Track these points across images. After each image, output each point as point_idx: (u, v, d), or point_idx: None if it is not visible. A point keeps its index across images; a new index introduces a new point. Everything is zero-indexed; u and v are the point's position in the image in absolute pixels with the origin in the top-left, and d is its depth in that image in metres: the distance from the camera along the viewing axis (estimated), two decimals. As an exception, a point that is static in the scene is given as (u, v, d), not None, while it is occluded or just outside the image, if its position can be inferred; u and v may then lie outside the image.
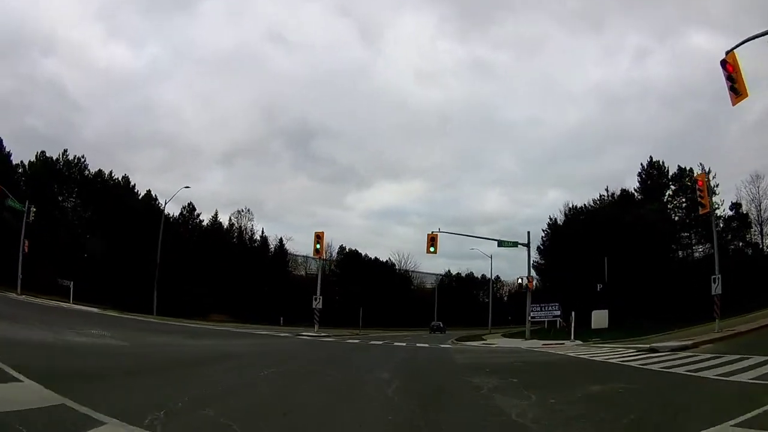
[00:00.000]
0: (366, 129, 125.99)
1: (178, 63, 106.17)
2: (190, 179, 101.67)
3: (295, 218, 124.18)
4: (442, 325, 73.53)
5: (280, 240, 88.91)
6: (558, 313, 41.47)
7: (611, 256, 40.63)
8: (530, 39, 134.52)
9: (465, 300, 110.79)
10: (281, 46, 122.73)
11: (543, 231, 60.15)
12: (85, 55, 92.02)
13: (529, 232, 38.07)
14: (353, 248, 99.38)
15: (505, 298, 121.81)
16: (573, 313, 28.73)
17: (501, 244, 33.99)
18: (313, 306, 33.64)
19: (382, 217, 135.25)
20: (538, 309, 42.52)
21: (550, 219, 59.03)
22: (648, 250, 41.23)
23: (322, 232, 33.60)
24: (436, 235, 32.37)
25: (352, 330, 50.86)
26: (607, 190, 53.06)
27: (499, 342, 28.59)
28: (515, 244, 35.66)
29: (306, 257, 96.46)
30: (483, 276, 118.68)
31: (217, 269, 75.26)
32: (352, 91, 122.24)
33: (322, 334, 32.51)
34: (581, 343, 27.80)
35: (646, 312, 35.38)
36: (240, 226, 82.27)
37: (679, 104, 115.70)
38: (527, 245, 35.64)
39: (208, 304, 66.02)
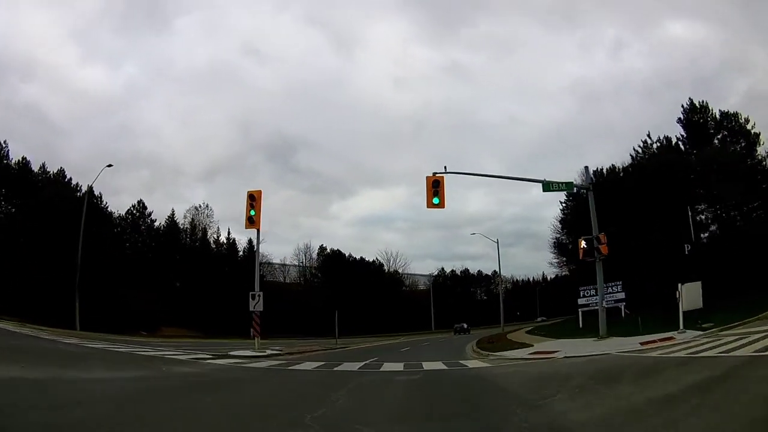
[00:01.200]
0: (345, 138, 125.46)
1: (155, 82, 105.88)
2: (173, 198, 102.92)
3: (282, 230, 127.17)
4: (466, 326, 68.71)
5: (249, 241, 77.33)
6: (622, 296, 30.64)
7: (677, 213, 30.51)
8: (504, 38, 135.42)
9: (462, 298, 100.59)
10: (256, 60, 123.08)
11: (563, 203, 50.40)
12: (64, 78, 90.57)
13: (587, 167, 26.31)
14: (335, 248, 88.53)
15: (502, 295, 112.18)
16: (681, 287, 18.15)
17: (547, 187, 22.45)
18: (251, 308, 22.85)
19: (368, 224, 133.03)
20: (590, 293, 31.76)
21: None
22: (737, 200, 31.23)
23: (259, 191, 22.68)
24: (441, 177, 21.29)
25: (328, 341, 40.10)
26: (644, 143, 43.25)
27: (564, 348, 17.65)
28: (569, 186, 24.01)
29: (284, 264, 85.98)
30: (480, 272, 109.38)
31: (172, 275, 63.79)
32: (329, 102, 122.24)
33: (267, 352, 22.29)
34: (700, 333, 17.53)
35: (743, 281, 25.41)
36: (200, 226, 70.06)
37: (659, 96, 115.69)
38: (589, 186, 23.47)
39: (158, 315, 54.46)
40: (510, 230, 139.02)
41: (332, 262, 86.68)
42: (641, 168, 39.02)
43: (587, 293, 31.76)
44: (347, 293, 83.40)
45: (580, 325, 28.61)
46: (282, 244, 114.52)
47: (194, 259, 68.24)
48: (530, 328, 47.01)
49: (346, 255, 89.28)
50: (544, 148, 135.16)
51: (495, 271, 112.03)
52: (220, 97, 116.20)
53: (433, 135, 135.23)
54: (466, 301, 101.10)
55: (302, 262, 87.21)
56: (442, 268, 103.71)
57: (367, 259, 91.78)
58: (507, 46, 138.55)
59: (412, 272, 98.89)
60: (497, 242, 49.47)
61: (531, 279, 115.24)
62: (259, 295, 22.33)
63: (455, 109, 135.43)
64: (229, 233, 76.08)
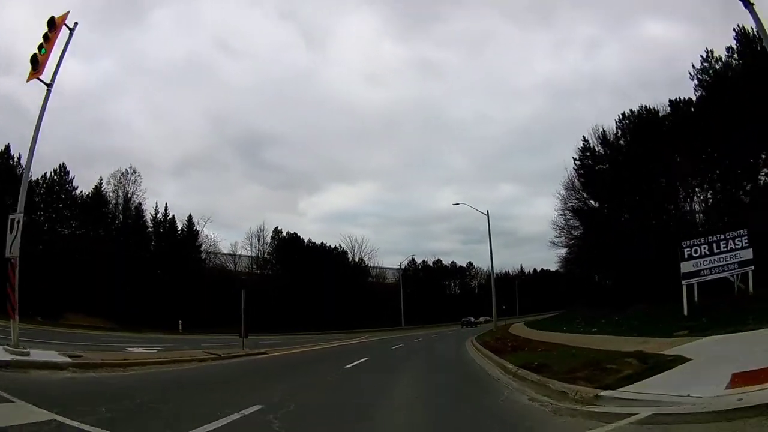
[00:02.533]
0: (315, 134, 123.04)
1: (129, 76, 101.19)
2: (146, 192, 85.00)
3: (251, 225, 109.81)
4: (473, 320, 68.22)
5: (189, 218, 66.78)
6: (749, 255, 17.31)
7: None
8: (477, 35, 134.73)
9: (435, 292, 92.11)
10: (228, 54, 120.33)
11: (577, 159, 40.95)
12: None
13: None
14: (292, 232, 78.61)
15: (476, 290, 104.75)
16: None
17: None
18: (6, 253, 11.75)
19: (336, 221, 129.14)
20: (704, 250, 17.89)
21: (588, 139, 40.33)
22: None
23: (64, 15, 12.47)
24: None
25: (268, 337, 30.84)
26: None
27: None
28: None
29: (236, 255, 75.48)
30: (453, 263, 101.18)
31: (94, 253, 53.00)
32: (299, 97, 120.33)
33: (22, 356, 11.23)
34: None
35: None
36: (125, 194, 59.10)
37: (633, 96, 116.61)
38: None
39: (65, 299, 44.04)
40: (479, 228, 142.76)
41: (288, 247, 76.81)
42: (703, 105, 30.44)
43: (701, 250, 17.89)
44: (305, 283, 74.11)
45: (685, 312, 16.48)
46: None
47: (121, 234, 57.49)
48: (542, 321, 38.69)
49: (305, 240, 79.43)
50: (513, 146, 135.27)
51: (470, 262, 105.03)
52: (192, 91, 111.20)
53: (403, 132, 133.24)
54: (438, 294, 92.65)
55: (255, 248, 76.78)
56: (413, 258, 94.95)
57: (328, 245, 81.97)
58: (479, 44, 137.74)
59: (381, 265, 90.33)
60: (488, 214, 38.26)
61: (508, 272, 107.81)
62: (17, 223, 10.94)
63: (426, 106, 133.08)
64: (166, 208, 65.33)
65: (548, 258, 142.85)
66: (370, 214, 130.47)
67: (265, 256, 76.27)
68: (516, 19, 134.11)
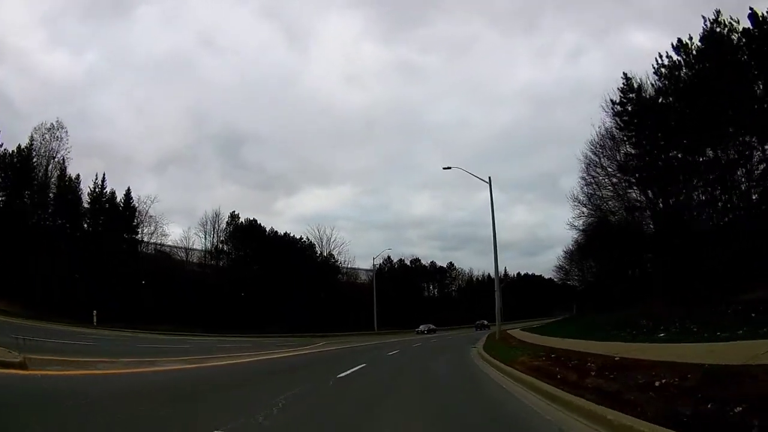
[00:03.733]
0: (294, 134, 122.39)
1: (114, 70, 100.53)
2: (125, 187, 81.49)
3: (206, 209, 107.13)
4: (486, 323, 66.65)
5: (127, 192, 57.31)
6: None
7: None
8: (460, 40, 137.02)
9: (411, 294, 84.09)
10: (211, 51, 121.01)
11: (617, 102, 33.49)
12: (30, 63, 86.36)
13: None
14: (251, 218, 69.60)
15: (454, 293, 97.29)
16: None
17: None
18: None
19: (311, 222, 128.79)
20: None
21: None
22: None
23: None
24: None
25: (200, 339, 23.39)
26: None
27: None
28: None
29: (187, 249, 65.96)
30: (433, 263, 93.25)
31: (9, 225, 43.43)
32: (280, 97, 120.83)
33: None
34: None
35: None
36: (48, 154, 49.47)
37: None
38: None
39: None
40: (455, 234, 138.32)
41: (244, 234, 67.59)
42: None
43: None
44: (265, 278, 65.25)
45: None
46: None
47: (48, 205, 47.96)
48: (545, 326, 30.53)
49: (267, 230, 70.40)
50: (493, 151, 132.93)
51: (451, 263, 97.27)
52: (174, 87, 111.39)
53: (382, 134, 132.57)
54: (415, 297, 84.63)
55: (210, 236, 67.03)
56: (388, 257, 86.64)
57: (292, 234, 73.03)
58: (461, 48, 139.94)
59: (354, 265, 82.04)
60: (489, 181, 29.31)
61: (489, 275, 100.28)
62: None
63: (406, 109, 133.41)
64: (104, 180, 55.74)
65: (527, 265, 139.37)
66: (346, 217, 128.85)
67: (218, 245, 66.52)
68: (499, 24, 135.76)
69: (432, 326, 62.95)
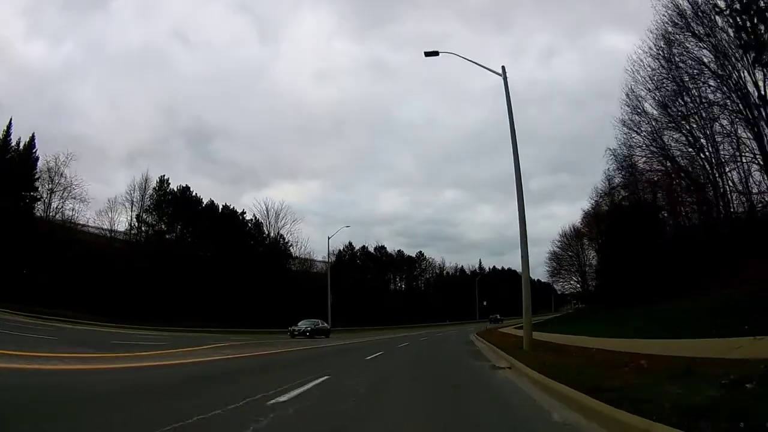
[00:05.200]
0: (264, 129, 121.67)
1: (90, 61, 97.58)
2: (98, 180, 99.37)
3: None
4: (499, 317, 65.99)
5: (32, 139, 44.98)
6: None
7: None
8: (431, 38, 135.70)
9: (376, 287, 73.33)
10: (184, 44, 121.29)
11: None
12: (8, 53, 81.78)
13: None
14: (184, 185, 57.42)
15: (422, 287, 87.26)
16: None
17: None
18: None
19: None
20: None
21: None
22: None
23: None
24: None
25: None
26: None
27: None
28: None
29: (111, 222, 53.67)
30: (401, 253, 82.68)
31: None
32: (251, 91, 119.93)
33: None
34: None
35: None
36: None
37: (589, 105, 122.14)
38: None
39: None
40: (423, 231, 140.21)
41: (176, 206, 55.49)
42: None
43: None
44: (198, 259, 53.47)
45: None
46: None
47: None
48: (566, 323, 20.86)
49: (205, 201, 58.31)
50: (462, 151, 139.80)
51: (421, 252, 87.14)
52: (147, 80, 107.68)
53: (352, 131, 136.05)
54: (381, 290, 74.00)
55: (138, 207, 54.63)
56: (350, 243, 75.66)
57: (231, 206, 61.29)
58: (433, 46, 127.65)
59: (312, 257, 70.87)
60: (503, 72, 17.20)
61: (463, 268, 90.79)
62: None
63: (376, 106, 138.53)
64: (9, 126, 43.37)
65: (498, 264, 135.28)
66: (312, 212, 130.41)
67: (142, 215, 54.16)
68: (472, 23, 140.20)
69: (320, 322, 41.02)
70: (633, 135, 33.67)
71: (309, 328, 36.78)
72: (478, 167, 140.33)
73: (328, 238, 56.07)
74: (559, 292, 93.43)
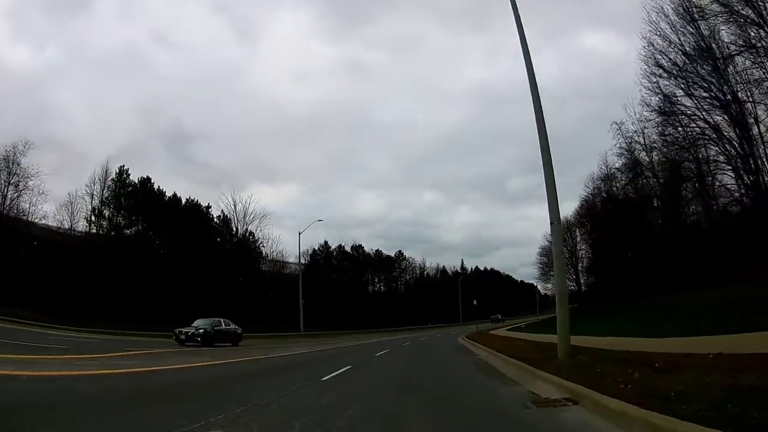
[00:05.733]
0: (241, 130, 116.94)
1: (72, 63, 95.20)
2: (79, 183, 73.57)
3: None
4: (500, 317, 66.73)
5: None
6: None
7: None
8: (409, 37, 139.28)
9: (352, 288, 69.30)
10: (163, 46, 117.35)
11: None
12: None
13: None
14: (145, 176, 52.70)
15: (402, 288, 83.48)
16: None
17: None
18: None
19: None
20: None
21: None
22: None
23: None
24: None
25: None
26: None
27: None
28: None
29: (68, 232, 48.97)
30: (379, 253, 78.92)
31: None
32: (228, 93, 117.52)
33: None
34: None
35: None
36: None
37: (568, 106, 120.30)
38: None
39: None
40: (401, 234, 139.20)
41: (137, 199, 50.84)
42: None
43: None
44: (160, 256, 48.88)
45: None
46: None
47: None
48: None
49: (167, 195, 53.54)
50: (440, 152, 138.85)
51: (400, 252, 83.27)
52: (126, 82, 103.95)
53: (329, 133, 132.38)
54: (357, 292, 69.95)
55: (99, 199, 49.74)
56: (325, 242, 71.46)
57: (194, 200, 56.28)
58: (411, 46, 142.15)
59: (284, 259, 66.53)
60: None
61: (445, 268, 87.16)
62: None
63: (353, 107, 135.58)
64: None
65: (478, 265, 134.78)
66: (289, 215, 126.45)
67: (101, 208, 49.38)
68: (450, 22, 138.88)
69: (224, 323, 28.35)
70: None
71: (203, 331, 24.45)
72: (457, 168, 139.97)
73: (299, 233, 51.61)
74: (543, 293, 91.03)
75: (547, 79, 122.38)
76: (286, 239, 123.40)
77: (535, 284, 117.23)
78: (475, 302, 42.45)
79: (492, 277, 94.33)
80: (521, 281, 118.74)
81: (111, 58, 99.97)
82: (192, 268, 49.33)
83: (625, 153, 36.58)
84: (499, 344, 17.48)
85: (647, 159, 35.79)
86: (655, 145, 33.67)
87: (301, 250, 53.73)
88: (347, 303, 66.84)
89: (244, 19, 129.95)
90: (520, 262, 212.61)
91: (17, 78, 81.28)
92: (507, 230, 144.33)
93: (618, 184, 41.01)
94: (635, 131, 34.38)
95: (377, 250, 79.85)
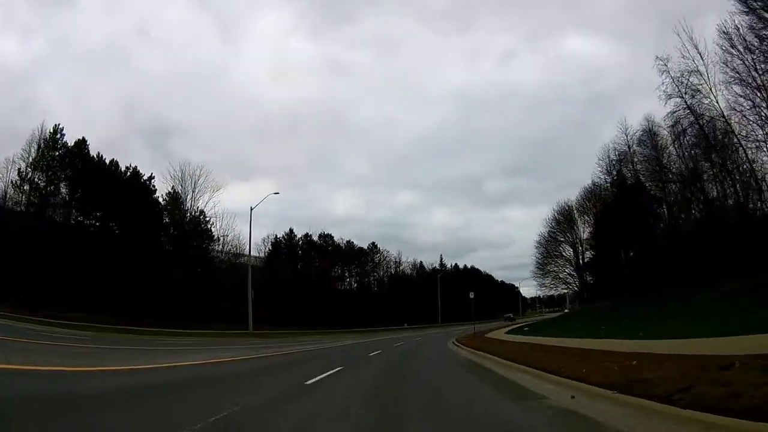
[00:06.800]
0: (220, 127, 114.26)
1: (56, 57, 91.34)
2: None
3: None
4: (512, 316, 65.68)
5: None
6: None
7: None
8: (389, 38, 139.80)
9: (318, 282, 61.79)
10: (145, 41, 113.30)
11: None
12: None
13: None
14: (81, 137, 44.48)
15: (376, 285, 76.23)
16: None
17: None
18: None
19: (230, 218, 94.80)
20: None
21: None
22: None
23: None
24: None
25: None
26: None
27: None
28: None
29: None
30: (351, 244, 71.61)
31: None
32: (208, 90, 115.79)
33: None
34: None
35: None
36: None
37: (547, 109, 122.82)
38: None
39: None
40: (376, 234, 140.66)
41: (69, 165, 42.70)
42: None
43: None
44: (87, 233, 40.67)
45: None
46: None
47: None
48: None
49: (106, 159, 45.12)
50: (417, 153, 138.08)
51: (374, 243, 75.81)
52: (110, 77, 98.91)
53: (308, 132, 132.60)
54: (323, 286, 62.36)
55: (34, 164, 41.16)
56: (291, 230, 63.46)
57: (134, 167, 47.52)
58: (391, 47, 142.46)
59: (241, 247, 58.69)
60: None
61: (419, 264, 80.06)
62: None
63: (332, 107, 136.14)
64: None
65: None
66: (265, 214, 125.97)
67: (29, 175, 40.91)
68: (431, 24, 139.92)
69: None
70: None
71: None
72: (435, 169, 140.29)
73: (251, 209, 43.43)
74: (534, 295, 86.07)
75: (523, 84, 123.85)
76: (259, 237, 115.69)
77: (517, 285, 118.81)
78: (472, 295, 35.42)
79: (473, 276, 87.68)
80: (502, 281, 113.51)
81: (93, 51, 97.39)
82: (124, 248, 41.18)
83: (678, 96, 30.08)
84: (537, 359, 10.16)
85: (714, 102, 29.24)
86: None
87: (259, 237, 45.38)
88: (314, 299, 59.33)
89: (227, 15, 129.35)
90: (498, 264, 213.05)
91: (6, 70, 75.93)
92: (484, 232, 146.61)
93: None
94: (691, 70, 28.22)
95: (348, 241, 72.93)
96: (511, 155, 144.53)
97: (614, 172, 39.43)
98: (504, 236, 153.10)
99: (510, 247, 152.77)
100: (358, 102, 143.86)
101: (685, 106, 30.01)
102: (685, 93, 29.66)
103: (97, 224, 42.49)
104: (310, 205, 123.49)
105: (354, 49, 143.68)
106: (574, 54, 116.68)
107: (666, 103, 30.99)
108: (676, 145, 32.27)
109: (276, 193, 45.06)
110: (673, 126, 31.61)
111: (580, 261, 50.90)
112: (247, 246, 46.74)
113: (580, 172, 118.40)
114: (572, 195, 67.02)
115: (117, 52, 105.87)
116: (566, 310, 65.57)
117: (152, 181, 46.81)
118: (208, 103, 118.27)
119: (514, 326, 47.05)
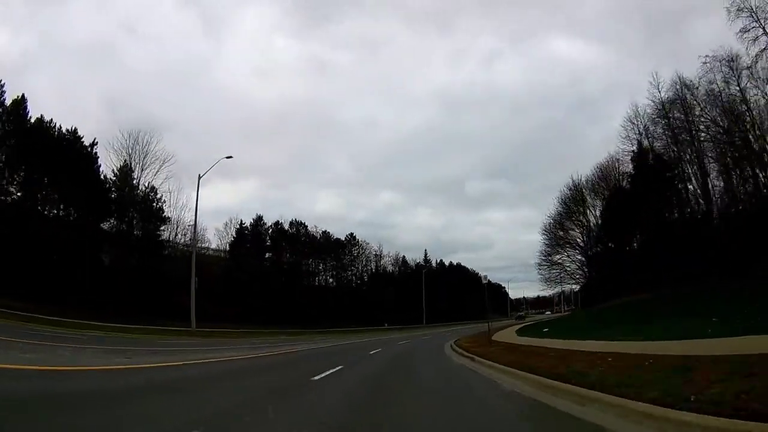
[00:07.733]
0: (203, 124, 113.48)
1: (46, 53, 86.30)
2: None
3: None
4: (523, 314, 63.38)
5: None
6: None
7: None
8: (373, 38, 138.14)
9: (290, 278, 55.69)
10: (131, 36, 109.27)
11: None
12: None
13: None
14: (19, 95, 37.79)
15: (354, 280, 70.49)
16: None
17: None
18: None
19: (212, 217, 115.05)
20: None
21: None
22: None
23: None
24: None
25: None
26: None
27: None
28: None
29: None
30: (327, 234, 65.43)
31: None
32: (193, 86, 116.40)
33: None
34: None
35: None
36: None
37: (530, 112, 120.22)
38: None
39: None
40: (358, 233, 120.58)
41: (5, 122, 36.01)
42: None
43: None
44: (23, 210, 33.89)
45: None
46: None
47: None
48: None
49: (46, 120, 38.26)
50: (400, 153, 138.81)
51: (352, 234, 69.59)
52: (95, 73, 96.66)
53: (291, 131, 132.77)
54: (294, 281, 56.09)
55: None
56: (258, 216, 56.92)
57: (73, 128, 40.17)
58: (375, 47, 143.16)
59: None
60: None
61: (402, 259, 74.39)
62: None
63: (315, 106, 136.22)
64: None
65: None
66: (246, 212, 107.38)
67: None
68: (415, 25, 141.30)
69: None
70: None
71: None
72: (417, 170, 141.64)
73: (199, 177, 37.04)
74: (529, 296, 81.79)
75: (506, 85, 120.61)
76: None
77: (505, 286, 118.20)
78: (487, 279, 30.19)
79: (459, 273, 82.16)
80: (488, 281, 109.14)
81: (82, 47, 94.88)
82: (62, 228, 34.55)
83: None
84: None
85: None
86: None
87: (197, 198, 38.11)
88: (284, 294, 53.01)
89: (211, 11, 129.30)
90: (479, 266, 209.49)
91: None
92: (465, 234, 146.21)
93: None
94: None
95: (325, 231, 66.69)
96: (493, 157, 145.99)
97: (645, 137, 36.09)
98: (484, 238, 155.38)
99: (490, 249, 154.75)
100: (341, 102, 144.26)
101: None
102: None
103: (19, 194, 35.49)
104: (291, 205, 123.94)
105: (338, 49, 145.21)
106: (557, 56, 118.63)
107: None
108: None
109: (229, 157, 39.06)
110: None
111: (589, 249, 47.57)
112: (194, 225, 39.49)
113: (561, 177, 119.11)
114: (553, 195, 66.60)
115: (103, 47, 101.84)
116: (567, 311, 60.67)
117: (94, 147, 39.97)
118: (192, 100, 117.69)
119: (522, 325, 45.10)
